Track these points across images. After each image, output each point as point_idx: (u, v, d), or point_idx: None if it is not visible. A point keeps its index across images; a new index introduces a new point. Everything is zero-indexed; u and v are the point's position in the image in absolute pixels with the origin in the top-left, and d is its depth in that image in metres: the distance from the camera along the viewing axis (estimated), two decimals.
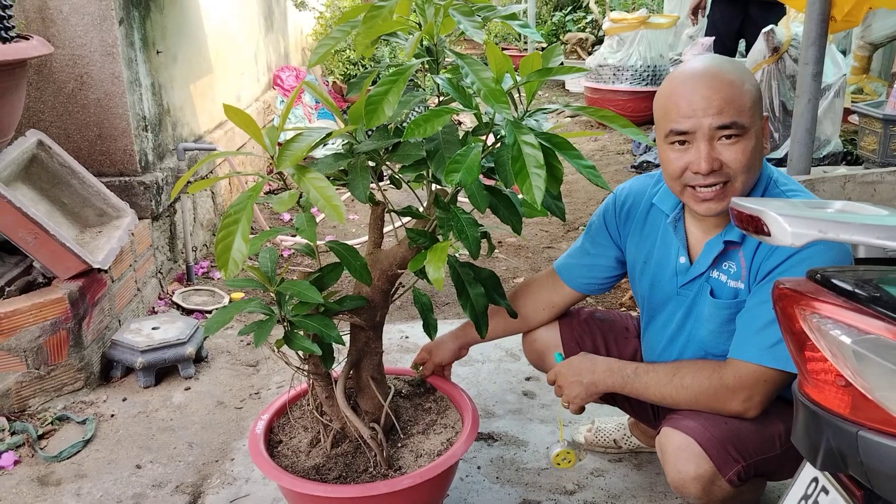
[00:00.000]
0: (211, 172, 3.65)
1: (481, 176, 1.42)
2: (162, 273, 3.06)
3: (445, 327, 2.79)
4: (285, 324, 1.47)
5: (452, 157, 1.28)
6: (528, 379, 2.36)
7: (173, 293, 3.01)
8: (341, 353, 1.59)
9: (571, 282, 1.69)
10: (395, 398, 1.75)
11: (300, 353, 1.54)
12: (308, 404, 1.65)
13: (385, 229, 1.61)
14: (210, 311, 2.91)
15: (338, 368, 1.61)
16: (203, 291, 3.09)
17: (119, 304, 2.57)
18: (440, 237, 1.51)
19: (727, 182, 1.35)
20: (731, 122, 1.30)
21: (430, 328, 1.61)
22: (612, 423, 1.98)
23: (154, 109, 3.00)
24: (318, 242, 1.49)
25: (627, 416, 2.02)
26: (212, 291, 3.08)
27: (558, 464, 1.66)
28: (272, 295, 1.47)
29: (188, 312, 2.91)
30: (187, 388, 2.35)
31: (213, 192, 3.74)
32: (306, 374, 1.54)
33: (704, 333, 1.47)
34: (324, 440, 1.61)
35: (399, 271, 1.58)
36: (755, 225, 0.82)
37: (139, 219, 2.82)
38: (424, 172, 1.48)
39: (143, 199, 2.84)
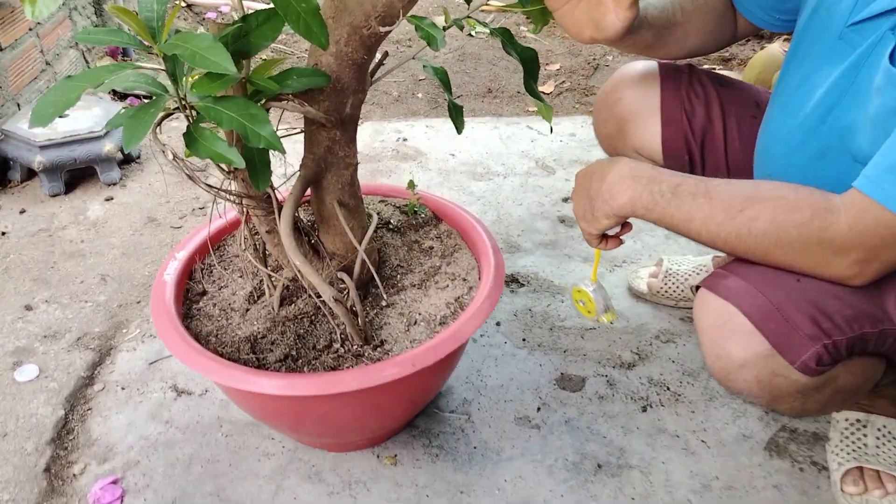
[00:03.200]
0: None
1: None
2: (86, 44, 2.40)
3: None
4: (188, 112, 0.89)
5: None
6: (566, 200, 1.80)
7: None
8: (294, 165, 1.02)
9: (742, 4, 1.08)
10: (379, 232, 1.20)
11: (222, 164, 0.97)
12: (245, 240, 1.10)
13: None
14: None
15: (285, 189, 1.05)
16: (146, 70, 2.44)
17: (16, 82, 1.96)
18: None
19: None
20: None
21: (455, 114, 1.02)
22: (689, 264, 1.46)
23: None
24: None
25: (712, 253, 1.49)
26: (158, 71, 2.44)
27: (578, 301, 1.16)
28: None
29: (122, 98, 2.29)
30: (109, 199, 1.81)
31: None
32: (233, 198, 0.98)
33: (862, 127, 0.88)
34: (269, 294, 1.08)
35: (382, 29, 0.96)
36: None
37: None
38: None
39: None
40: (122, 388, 1.28)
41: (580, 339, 1.37)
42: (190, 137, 0.87)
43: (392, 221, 1.23)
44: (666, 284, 1.43)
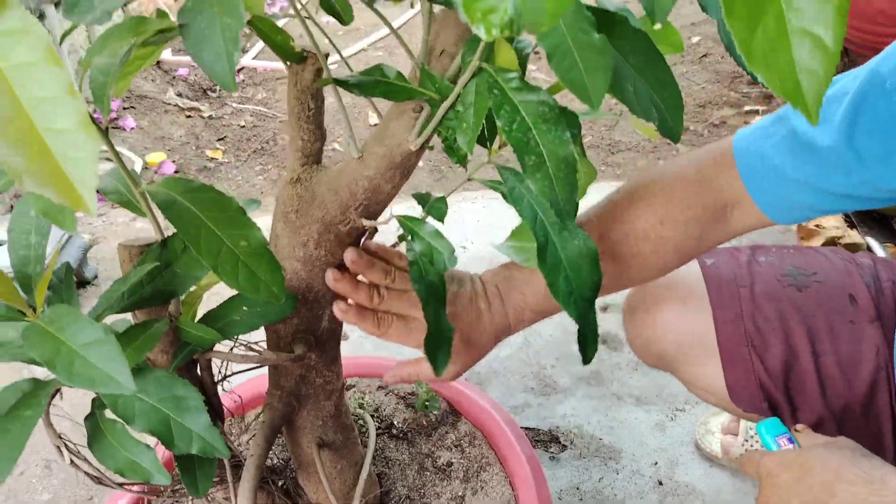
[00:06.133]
0: None
1: None
2: None
3: (463, 205, 1.88)
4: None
5: None
6: (605, 309, 1.53)
7: None
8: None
9: (760, 194, 0.71)
10: (379, 440, 0.94)
11: None
12: None
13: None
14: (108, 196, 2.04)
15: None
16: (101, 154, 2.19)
17: None
18: (459, 139, 0.61)
19: None
20: None
21: (437, 358, 0.71)
22: None
23: None
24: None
25: None
26: (118, 154, 2.19)
27: None
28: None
29: None
30: None
31: None
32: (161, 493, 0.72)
33: None
34: None
35: (366, 223, 0.71)
36: None
37: None
38: None
39: None
40: None
41: None
42: (93, 429, 0.62)
43: (396, 422, 0.97)
44: (751, 445, 1.16)
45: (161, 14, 0.60)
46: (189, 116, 2.47)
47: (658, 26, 0.48)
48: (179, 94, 2.60)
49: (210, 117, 2.48)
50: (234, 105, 2.54)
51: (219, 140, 2.36)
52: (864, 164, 0.61)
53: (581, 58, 0.46)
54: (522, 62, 0.56)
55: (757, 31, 0.34)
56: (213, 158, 2.26)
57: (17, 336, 0.63)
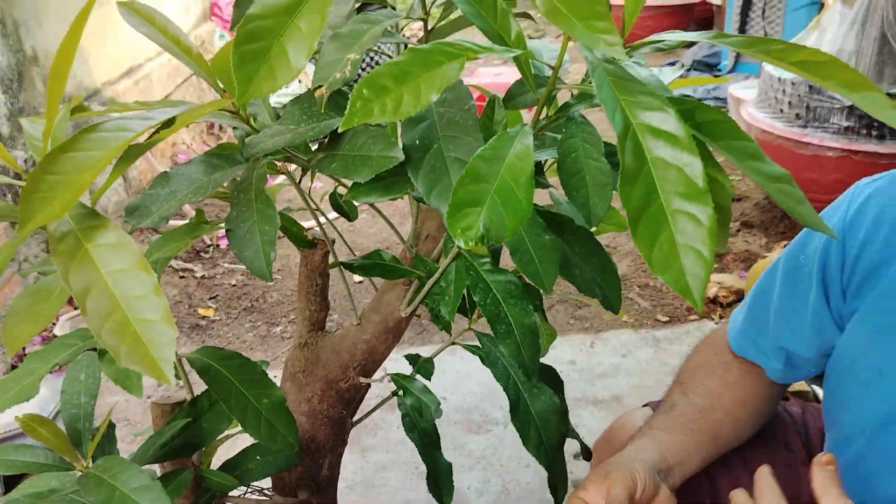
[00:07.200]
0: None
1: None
2: None
3: (443, 356, 1.81)
4: None
5: (467, 171, 0.51)
6: (576, 456, 1.62)
7: (56, 321, 2.22)
8: None
9: (766, 362, 0.88)
10: None
11: None
12: None
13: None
14: None
15: None
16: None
17: None
18: (442, 310, 0.74)
19: None
20: None
21: (442, 495, 0.81)
22: None
23: (8, 58, 2.16)
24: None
25: None
26: None
27: None
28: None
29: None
30: None
31: (123, 176, 2.91)
32: None
33: None
34: None
35: (364, 380, 0.82)
36: None
37: None
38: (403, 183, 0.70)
39: None
40: None
41: None
42: None
43: None
44: None
45: (199, 215, 0.74)
46: (182, 277, 2.61)
47: (593, 229, 0.63)
48: (174, 257, 2.75)
49: (203, 277, 2.62)
50: (226, 265, 2.69)
51: (210, 298, 2.48)
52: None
53: (536, 254, 0.60)
54: (496, 253, 0.70)
55: (655, 247, 0.48)
56: (204, 316, 2.37)
57: (62, 484, 0.72)
